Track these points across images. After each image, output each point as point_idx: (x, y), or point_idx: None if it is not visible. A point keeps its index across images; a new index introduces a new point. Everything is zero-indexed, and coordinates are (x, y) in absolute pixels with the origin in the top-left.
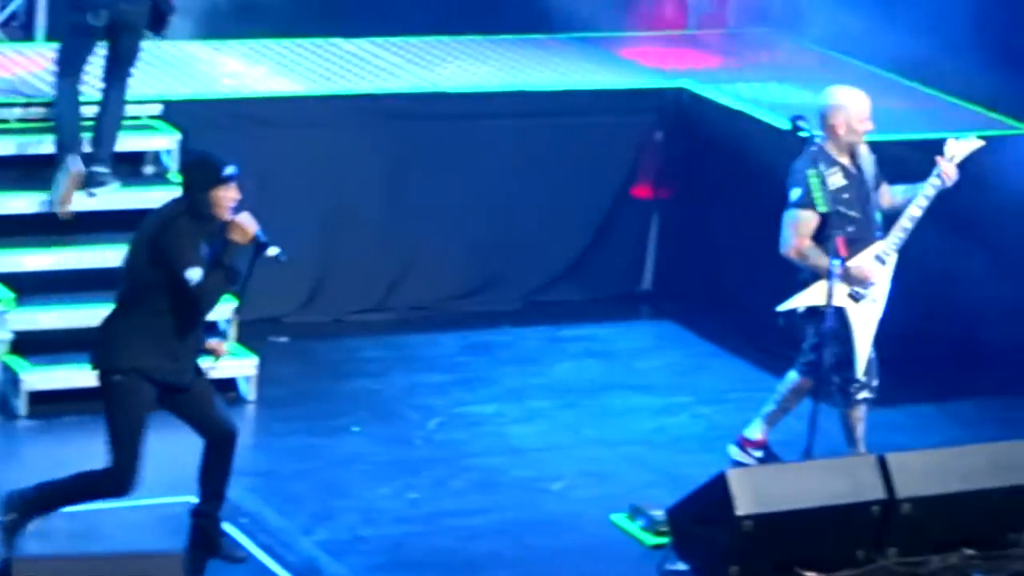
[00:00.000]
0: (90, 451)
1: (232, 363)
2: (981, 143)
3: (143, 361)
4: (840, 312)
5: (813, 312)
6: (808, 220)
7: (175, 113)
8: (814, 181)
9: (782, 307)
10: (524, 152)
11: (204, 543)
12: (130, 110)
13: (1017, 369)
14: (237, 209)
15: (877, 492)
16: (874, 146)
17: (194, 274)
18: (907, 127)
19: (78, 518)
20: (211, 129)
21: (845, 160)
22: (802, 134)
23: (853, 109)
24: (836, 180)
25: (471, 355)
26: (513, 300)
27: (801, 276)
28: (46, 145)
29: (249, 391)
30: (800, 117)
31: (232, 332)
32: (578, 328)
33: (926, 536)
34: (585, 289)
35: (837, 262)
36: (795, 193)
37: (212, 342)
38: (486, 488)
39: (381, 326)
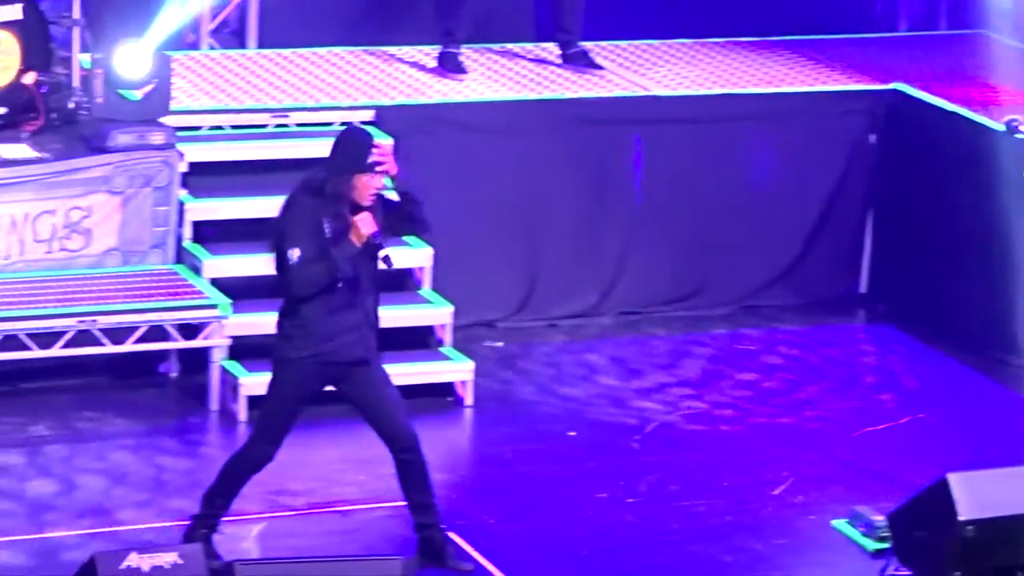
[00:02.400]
0: (308, 454)
1: (448, 368)
2: None
3: (303, 348)
4: None
5: None
6: None
7: (387, 119)
8: None
9: None
10: (736, 155)
11: (430, 553)
12: (342, 116)
13: None
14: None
15: None
16: None
17: (294, 254)
18: None
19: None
20: (421, 134)
21: None
22: (1019, 136)
23: None
24: None
25: (684, 360)
26: (726, 304)
27: None
28: (256, 151)
29: (465, 396)
30: (1015, 119)
31: (447, 337)
32: (792, 332)
33: None
34: (799, 292)
35: None
36: None
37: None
38: (703, 492)
39: (594, 331)
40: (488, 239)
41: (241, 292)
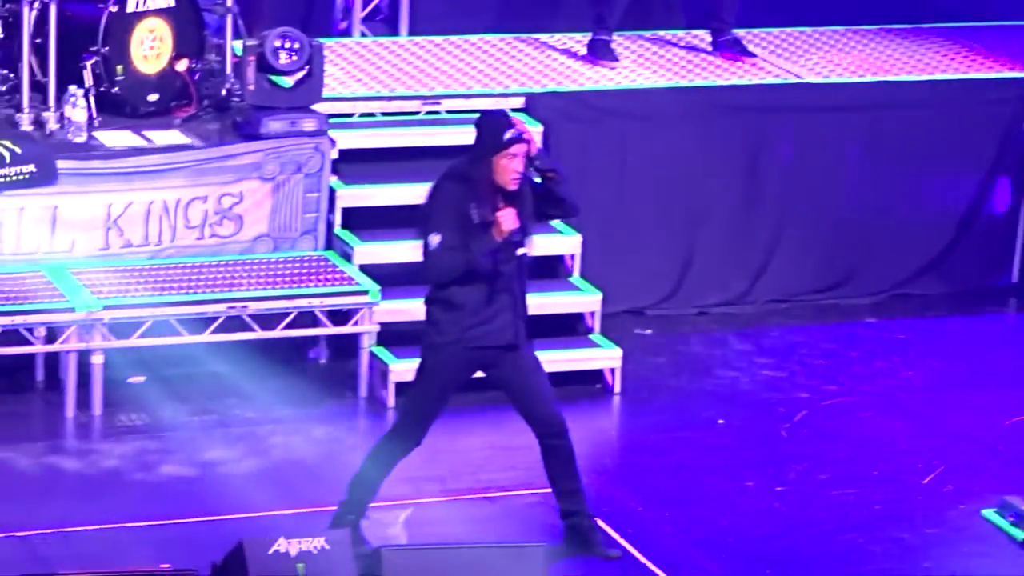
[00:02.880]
0: (456, 440)
1: (597, 355)
2: None
3: (452, 333)
4: None
5: None
6: None
7: (538, 106)
8: None
9: None
10: (886, 143)
11: (577, 541)
12: (493, 104)
13: None
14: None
15: None
16: None
17: (434, 240)
18: None
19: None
20: (572, 122)
21: None
22: None
23: None
24: None
25: (834, 348)
26: (875, 293)
27: None
28: (406, 138)
29: (614, 383)
30: None
31: (596, 325)
32: (942, 321)
33: None
34: (950, 281)
35: None
36: None
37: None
38: (852, 481)
39: (743, 319)
40: (638, 226)
41: (391, 279)
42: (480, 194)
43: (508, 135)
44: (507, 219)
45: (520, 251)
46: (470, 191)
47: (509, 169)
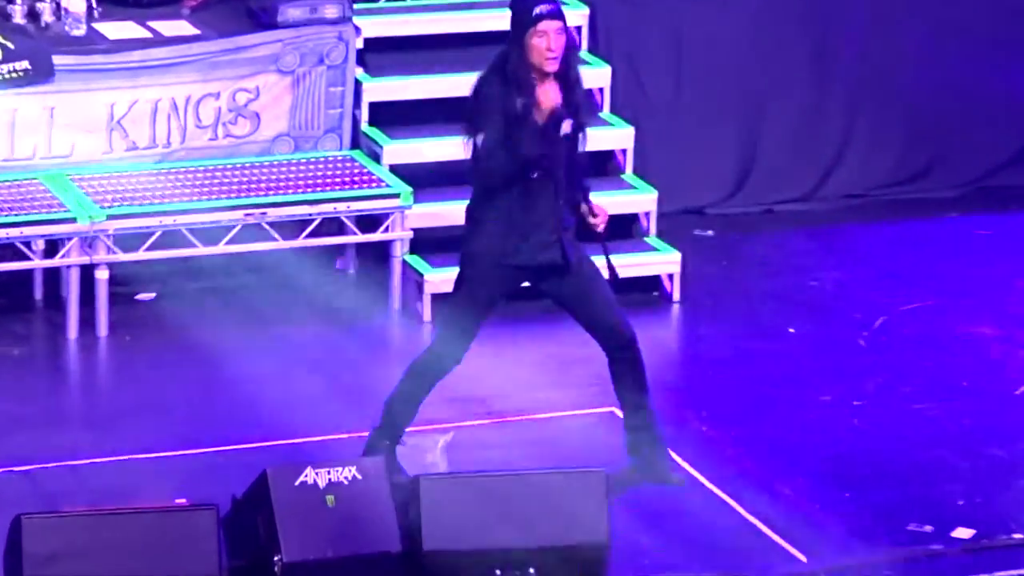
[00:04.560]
0: (501, 357)
1: (653, 259)
2: None
3: (492, 244)
4: None
5: None
6: None
7: None
8: None
9: None
10: (973, 27)
11: (640, 463)
12: None
13: None
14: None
15: None
16: None
17: (479, 139)
18: None
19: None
20: (625, 4)
21: None
22: None
23: None
24: None
25: (913, 246)
26: (957, 186)
27: None
28: (438, 24)
29: (673, 290)
30: None
31: (651, 226)
32: None
33: None
34: None
35: None
36: None
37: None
38: (937, 394)
39: (813, 216)
40: (698, 118)
41: (424, 179)
42: (521, 82)
43: (537, 10)
44: (546, 96)
45: (566, 125)
46: (512, 81)
47: (541, 48)
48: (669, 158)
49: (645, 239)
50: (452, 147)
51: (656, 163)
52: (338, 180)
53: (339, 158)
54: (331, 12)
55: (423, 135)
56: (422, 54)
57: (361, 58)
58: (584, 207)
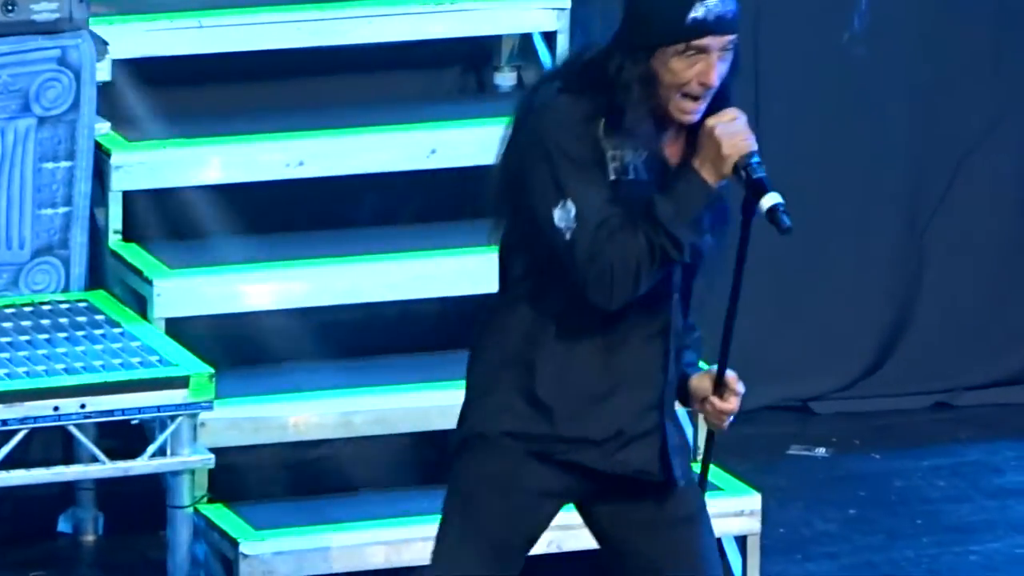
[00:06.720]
0: None
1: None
2: None
3: (513, 420)
4: None
5: None
6: None
7: None
8: None
9: None
10: None
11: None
12: None
13: None
14: (713, 108)
15: None
16: None
17: (568, 210)
18: None
19: None
20: None
21: None
22: None
23: None
24: None
25: None
26: None
27: None
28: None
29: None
30: None
31: None
32: None
33: None
34: None
35: None
36: None
37: (728, 376)
38: None
39: None
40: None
41: (234, 349)
42: (630, 127)
43: (697, 12)
44: (730, 131)
45: (768, 200)
46: (600, 119)
47: (689, 74)
48: None
49: None
50: (310, 282)
51: None
52: (62, 353)
53: (63, 305)
54: (44, 10)
55: (236, 258)
56: (231, 89)
57: (109, 101)
58: (700, 377)
